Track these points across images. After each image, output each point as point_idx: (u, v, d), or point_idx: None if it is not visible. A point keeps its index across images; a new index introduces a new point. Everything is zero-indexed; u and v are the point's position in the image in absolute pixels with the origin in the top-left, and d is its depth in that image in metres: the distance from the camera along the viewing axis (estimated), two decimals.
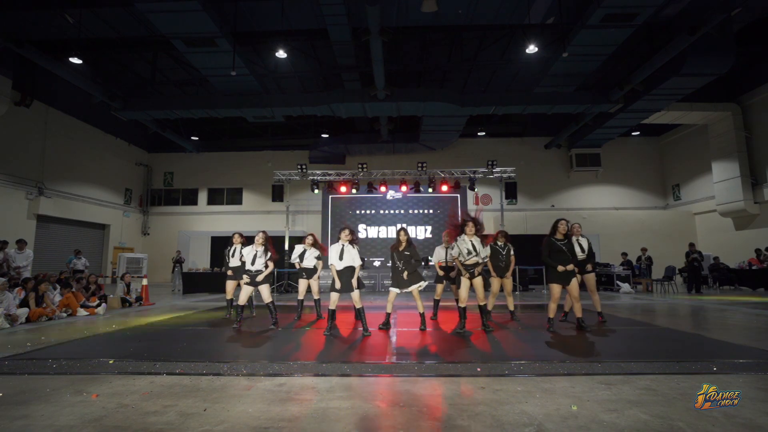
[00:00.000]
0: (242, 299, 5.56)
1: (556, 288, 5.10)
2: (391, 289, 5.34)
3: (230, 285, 6.63)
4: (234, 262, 6.39)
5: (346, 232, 5.12)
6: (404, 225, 14.27)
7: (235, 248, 6.49)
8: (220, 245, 16.64)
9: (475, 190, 14.56)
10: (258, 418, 2.41)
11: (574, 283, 5.11)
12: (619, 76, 12.66)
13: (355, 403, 2.69)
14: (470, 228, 5.07)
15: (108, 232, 17.09)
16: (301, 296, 6.45)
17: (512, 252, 5.93)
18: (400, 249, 5.28)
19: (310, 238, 6.25)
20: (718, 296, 10.13)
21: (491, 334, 4.97)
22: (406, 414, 2.49)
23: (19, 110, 12.86)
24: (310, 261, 6.19)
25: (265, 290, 5.58)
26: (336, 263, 5.04)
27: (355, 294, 5.06)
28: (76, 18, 9.97)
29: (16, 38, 9.98)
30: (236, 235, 6.60)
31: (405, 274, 5.21)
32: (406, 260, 5.22)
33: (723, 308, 7.61)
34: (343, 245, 5.06)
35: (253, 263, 5.49)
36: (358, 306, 5.11)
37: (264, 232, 5.69)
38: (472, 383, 3.08)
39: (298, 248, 6.25)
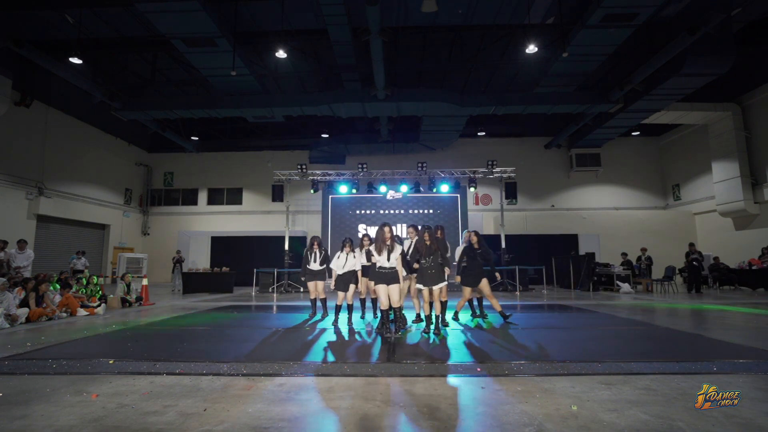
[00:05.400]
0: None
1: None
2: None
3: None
4: (340, 267, 6.19)
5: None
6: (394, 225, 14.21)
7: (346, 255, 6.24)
8: (220, 245, 16.66)
9: (475, 190, 14.56)
10: (258, 418, 2.41)
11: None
12: (619, 76, 12.66)
13: (355, 403, 2.69)
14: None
15: (108, 232, 17.09)
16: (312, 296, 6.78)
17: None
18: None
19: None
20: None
21: (492, 335, 4.96)
22: (406, 414, 2.49)
23: (19, 110, 12.85)
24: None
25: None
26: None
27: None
28: (76, 18, 9.97)
29: (16, 38, 9.98)
30: (348, 245, 6.27)
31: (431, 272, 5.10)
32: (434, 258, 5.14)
33: (723, 308, 7.61)
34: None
35: (388, 260, 5.07)
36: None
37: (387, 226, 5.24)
38: (472, 383, 3.09)
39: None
